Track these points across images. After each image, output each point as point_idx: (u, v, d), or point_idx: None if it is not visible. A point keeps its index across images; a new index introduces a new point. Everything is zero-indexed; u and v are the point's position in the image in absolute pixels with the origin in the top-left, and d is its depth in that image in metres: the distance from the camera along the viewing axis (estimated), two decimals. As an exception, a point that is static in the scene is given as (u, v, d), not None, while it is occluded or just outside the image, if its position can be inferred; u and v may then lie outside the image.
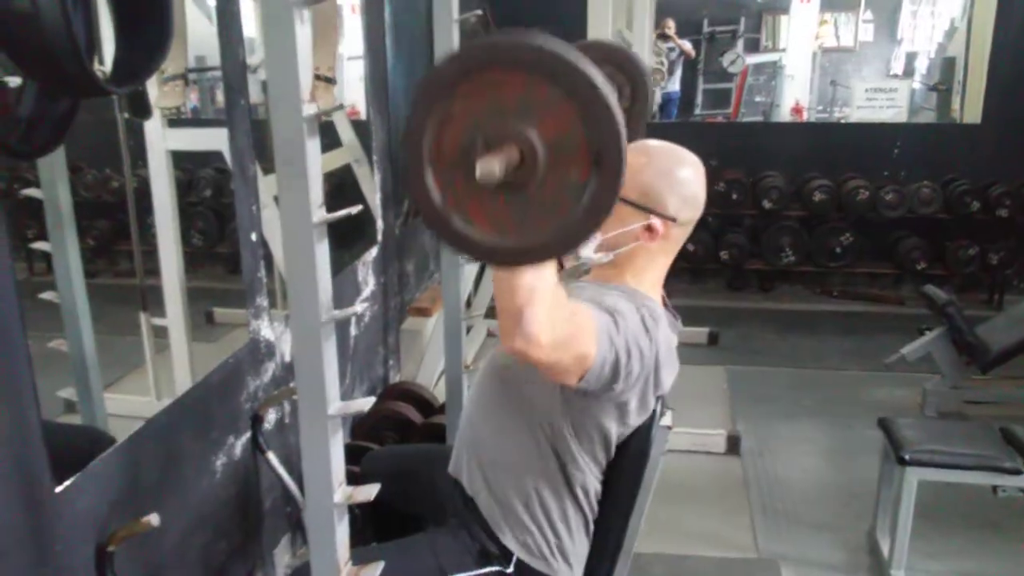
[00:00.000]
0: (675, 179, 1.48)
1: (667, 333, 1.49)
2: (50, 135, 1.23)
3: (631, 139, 1.84)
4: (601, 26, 2.92)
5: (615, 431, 1.49)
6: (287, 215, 1.08)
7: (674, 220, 1.48)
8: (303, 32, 1.03)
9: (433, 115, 0.92)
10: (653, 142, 1.55)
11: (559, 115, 0.88)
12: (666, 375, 1.48)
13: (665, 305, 1.58)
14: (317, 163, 1.08)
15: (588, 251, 1.47)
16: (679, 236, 1.53)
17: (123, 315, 2.29)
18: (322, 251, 1.10)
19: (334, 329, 1.15)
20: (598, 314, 1.31)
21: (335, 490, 1.21)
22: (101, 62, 1.40)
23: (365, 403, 1.18)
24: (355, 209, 1.12)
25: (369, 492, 1.21)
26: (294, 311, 1.12)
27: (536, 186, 0.91)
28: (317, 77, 2.02)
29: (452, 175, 0.93)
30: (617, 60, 1.85)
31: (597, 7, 2.91)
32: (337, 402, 1.18)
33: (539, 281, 1.09)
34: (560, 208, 0.91)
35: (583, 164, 0.89)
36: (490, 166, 0.85)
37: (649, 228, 1.47)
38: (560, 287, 1.15)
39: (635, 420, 1.50)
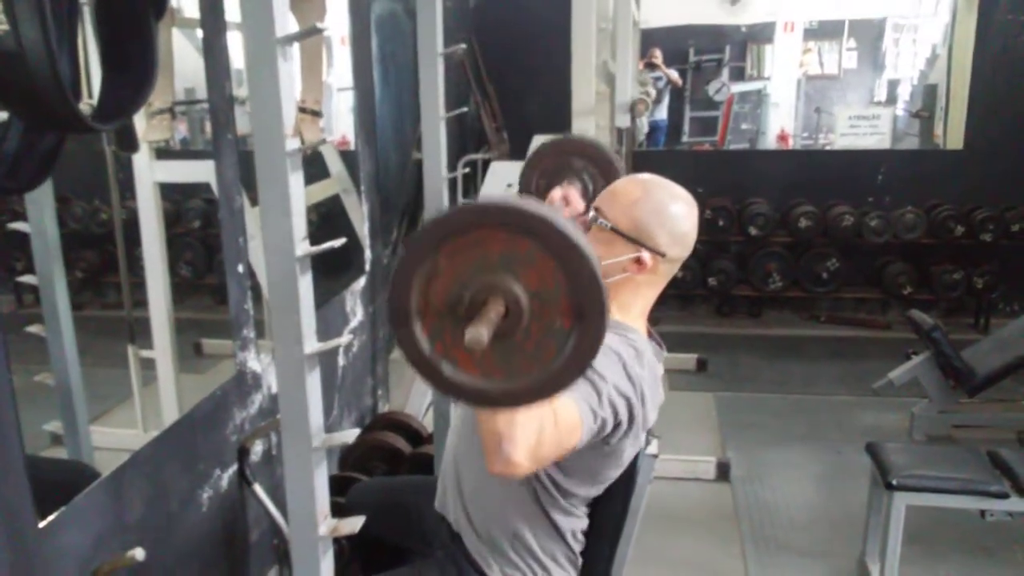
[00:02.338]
0: (668, 215, 1.49)
1: (652, 364, 1.49)
2: (36, 171, 1.24)
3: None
4: (585, 58, 2.95)
5: (606, 472, 1.50)
6: (271, 248, 1.09)
7: (663, 256, 1.49)
8: (287, 68, 1.04)
9: (420, 270, 0.97)
10: (650, 176, 1.56)
11: (541, 269, 0.94)
12: (652, 409, 1.49)
13: (650, 335, 1.59)
14: (301, 197, 1.09)
15: None
16: (666, 272, 1.54)
17: (111, 347, 2.28)
18: (306, 284, 1.11)
19: (318, 362, 1.15)
20: (578, 391, 1.29)
21: (320, 523, 1.21)
22: (90, 95, 1.42)
23: (349, 435, 1.18)
24: (339, 242, 1.13)
25: (354, 524, 1.21)
26: (278, 344, 1.12)
27: (521, 334, 0.95)
28: (303, 110, 2.04)
29: (440, 325, 0.98)
30: (588, 153, 1.97)
31: (581, 39, 2.94)
32: (322, 434, 1.17)
33: (518, 411, 1.12)
34: (545, 354, 0.96)
35: (566, 314, 0.94)
36: (478, 334, 0.89)
37: (638, 260, 1.48)
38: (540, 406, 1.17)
39: (627, 458, 1.51)
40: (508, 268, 0.94)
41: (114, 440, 1.99)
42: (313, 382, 1.15)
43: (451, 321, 0.96)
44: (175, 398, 2.16)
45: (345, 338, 1.17)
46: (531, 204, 0.94)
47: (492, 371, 0.98)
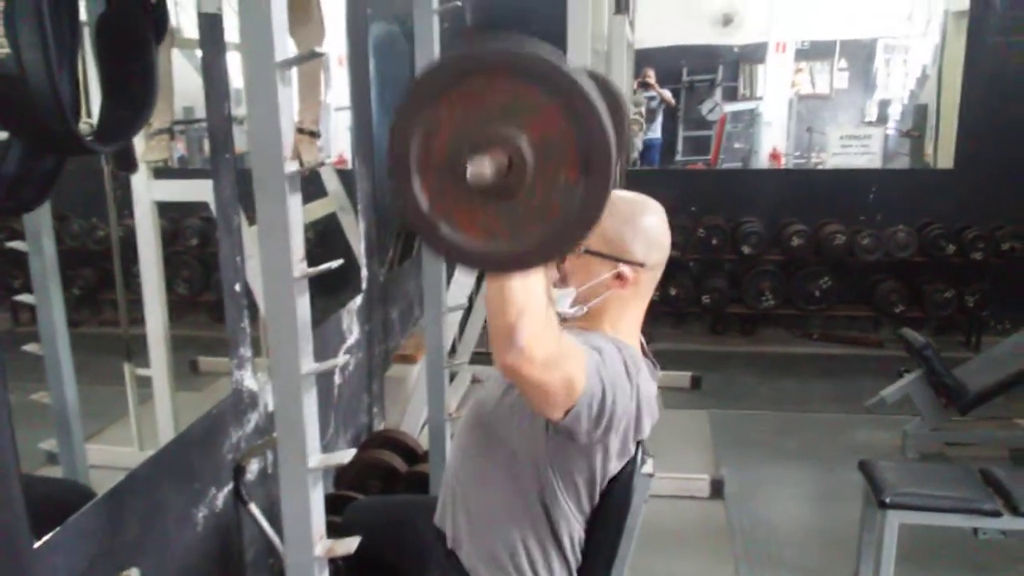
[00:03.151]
0: (638, 225, 1.51)
1: (648, 381, 1.51)
2: (36, 192, 1.25)
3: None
4: (579, 78, 2.97)
5: (599, 476, 1.50)
6: (269, 269, 1.10)
7: (642, 265, 1.51)
8: (286, 92, 1.06)
9: (419, 122, 0.91)
10: (612, 192, 1.58)
11: (546, 119, 0.88)
12: (647, 421, 1.50)
13: (645, 353, 1.60)
14: (299, 219, 1.11)
15: (563, 306, 1.50)
16: (649, 280, 1.55)
17: (108, 365, 2.28)
18: (303, 304, 1.12)
19: (315, 382, 1.17)
20: (586, 349, 1.33)
21: (315, 543, 1.21)
22: (89, 116, 1.43)
23: (345, 455, 1.19)
24: (336, 263, 1.14)
25: (350, 545, 1.22)
26: (275, 363, 1.14)
27: (525, 191, 0.90)
28: (301, 131, 2.06)
29: (440, 182, 0.93)
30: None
31: (576, 61, 2.97)
32: (318, 454, 1.18)
33: (530, 297, 1.10)
34: (551, 211, 0.91)
35: (572, 167, 0.89)
36: (481, 167, 0.85)
37: (619, 276, 1.50)
38: (551, 309, 1.17)
39: (616, 464, 1.51)
40: (511, 119, 0.88)
41: (110, 458, 1.99)
42: (310, 402, 1.16)
43: (452, 179, 0.90)
44: (171, 416, 2.16)
45: (342, 359, 1.19)
46: (538, 46, 0.89)
47: (495, 232, 0.93)
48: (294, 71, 2.07)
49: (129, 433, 2.21)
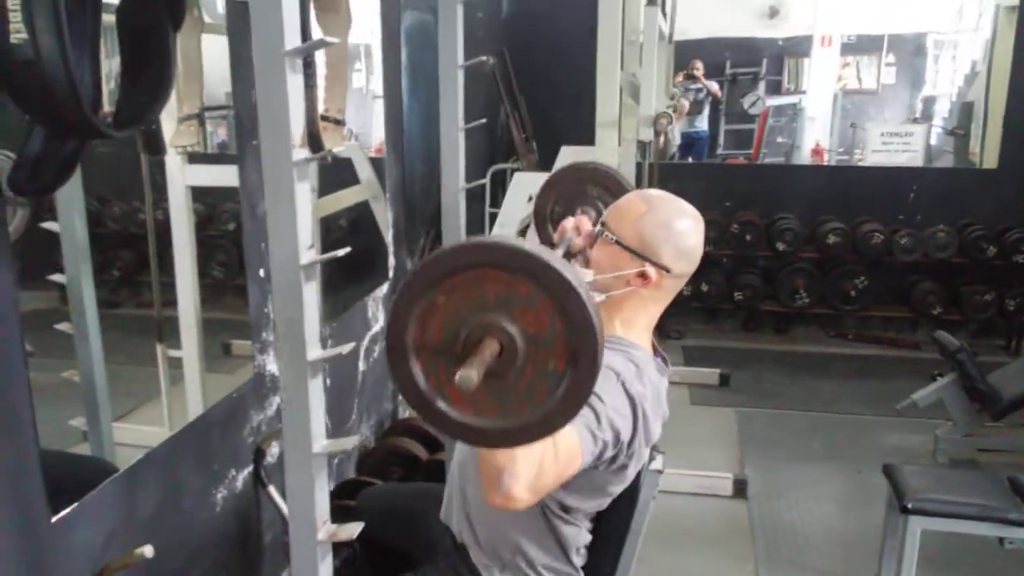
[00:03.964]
0: (673, 230, 1.50)
1: (654, 380, 1.50)
2: (57, 173, 1.27)
3: None
4: (610, 70, 2.96)
5: (609, 488, 1.51)
6: (276, 256, 1.11)
7: (668, 271, 1.50)
8: (295, 80, 1.07)
9: (418, 306, 0.98)
10: (656, 192, 1.58)
11: (538, 312, 0.94)
12: (654, 425, 1.49)
13: (655, 351, 1.59)
14: (307, 206, 1.11)
15: None
16: (671, 287, 1.54)
17: (143, 345, 2.31)
18: (311, 291, 1.13)
19: (321, 368, 1.17)
20: (578, 416, 1.31)
21: (319, 528, 1.22)
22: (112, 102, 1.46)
23: (349, 442, 1.20)
24: (343, 251, 1.15)
25: (352, 530, 1.22)
26: (281, 350, 1.15)
27: (515, 374, 0.96)
28: (325, 119, 2.07)
29: (435, 362, 0.99)
30: (604, 182, 2.00)
31: (606, 52, 2.95)
32: (323, 440, 1.19)
33: (516, 459, 1.14)
34: (538, 395, 0.97)
35: (561, 357, 0.95)
36: (469, 376, 0.89)
37: (643, 275, 1.49)
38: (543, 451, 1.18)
39: (631, 475, 1.51)
40: (505, 309, 0.95)
41: (140, 437, 2.02)
42: (315, 389, 1.17)
43: (446, 358, 0.97)
44: (200, 397, 2.20)
45: (348, 346, 1.19)
46: (533, 247, 0.95)
47: (484, 409, 0.99)
48: (320, 58, 2.08)
49: (160, 413, 2.25)
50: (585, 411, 1.29)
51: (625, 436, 1.37)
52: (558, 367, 0.95)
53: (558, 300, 0.93)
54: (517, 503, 1.16)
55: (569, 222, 1.72)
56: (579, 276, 0.95)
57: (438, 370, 0.99)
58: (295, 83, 1.06)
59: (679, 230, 1.50)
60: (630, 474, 1.50)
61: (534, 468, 1.16)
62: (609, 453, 1.36)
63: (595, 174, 2.02)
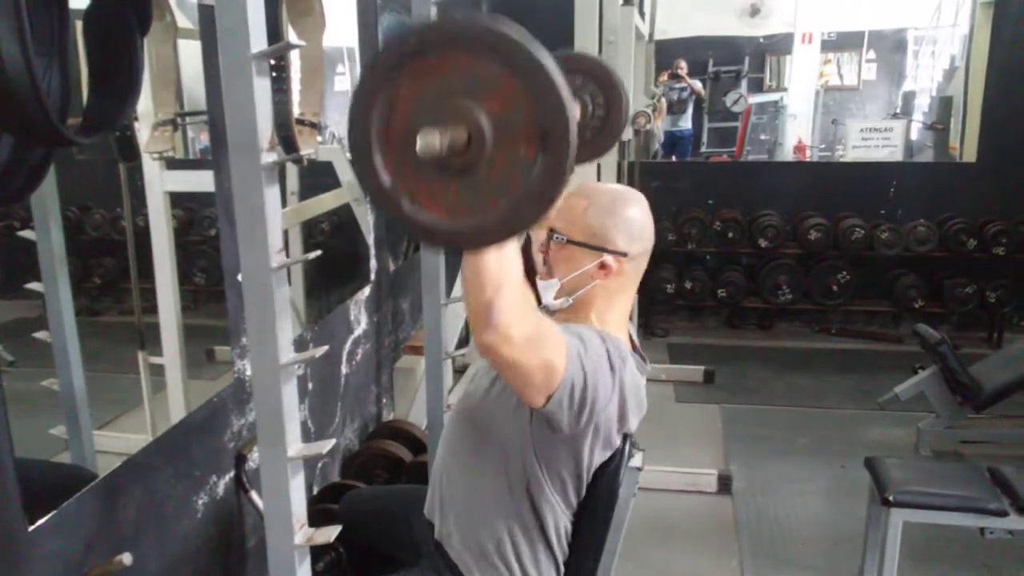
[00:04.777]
0: (619, 215, 1.52)
1: (634, 375, 1.50)
2: (25, 182, 1.27)
3: (607, 148, 1.84)
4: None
5: (584, 467, 1.50)
6: (247, 260, 1.11)
7: (625, 255, 1.51)
8: (262, 83, 1.07)
9: (380, 97, 0.92)
10: (592, 184, 1.61)
11: (505, 93, 0.88)
12: (632, 415, 1.50)
13: (634, 347, 1.59)
14: (276, 210, 1.11)
15: (548, 298, 1.51)
16: (633, 271, 1.56)
17: (125, 353, 2.31)
18: (281, 295, 1.13)
19: (294, 372, 1.17)
20: (567, 335, 1.33)
21: (296, 531, 1.23)
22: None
23: (324, 445, 1.20)
24: (314, 254, 1.15)
25: (329, 534, 1.23)
26: (254, 355, 1.15)
27: (485, 167, 0.90)
28: (301, 122, 2.07)
29: (401, 158, 0.93)
30: (587, 68, 1.81)
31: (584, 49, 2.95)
32: (298, 444, 1.19)
33: (504, 275, 1.13)
34: (510, 186, 0.91)
35: (531, 141, 0.89)
36: (430, 139, 0.85)
37: (603, 266, 1.51)
38: (527, 290, 1.18)
39: (600, 456, 1.50)
40: (471, 94, 0.89)
41: (123, 445, 2.01)
42: (289, 392, 1.17)
43: (412, 154, 0.89)
44: (183, 404, 2.19)
45: (321, 349, 1.19)
46: (498, 21, 0.89)
47: (456, 209, 0.93)
48: (296, 61, 2.08)
49: (143, 420, 2.24)
50: (575, 340, 1.33)
51: (602, 392, 1.37)
52: (528, 153, 0.89)
53: (525, 76, 0.87)
54: (505, 338, 1.15)
55: None
56: (546, 51, 0.89)
57: (404, 167, 0.93)
58: (263, 86, 1.06)
59: (626, 215, 1.52)
60: (596, 457, 1.49)
61: (520, 301, 1.15)
62: (578, 396, 1.34)
63: (576, 61, 1.83)
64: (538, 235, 1.68)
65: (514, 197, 0.91)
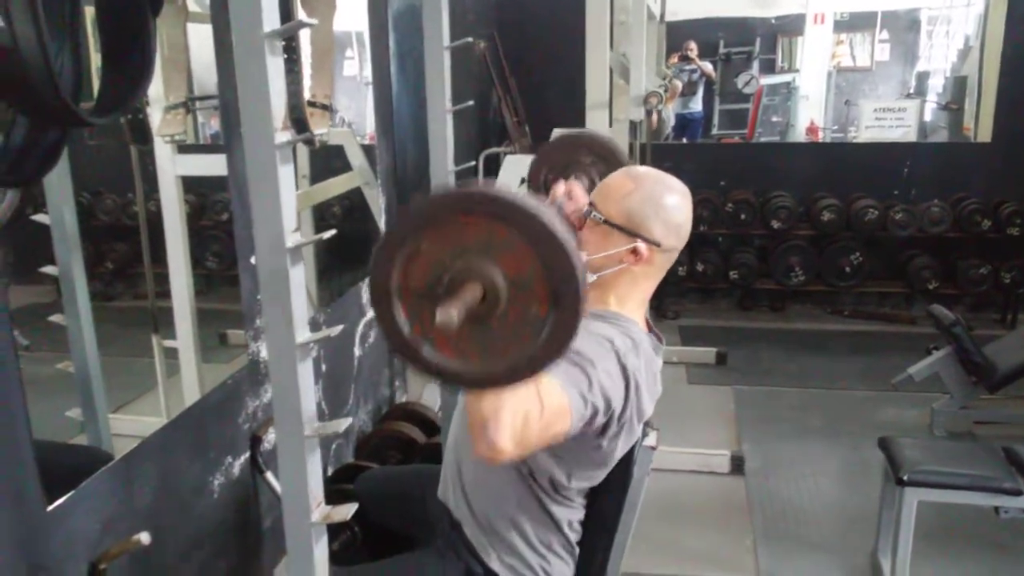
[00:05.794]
0: (661, 206, 1.50)
1: (649, 356, 1.50)
2: (39, 164, 1.27)
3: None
4: (599, 51, 2.95)
5: (600, 461, 1.51)
6: (261, 241, 1.11)
7: (659, 246, 1.50)
8: (275, 63, 1.06)
9: (401, 251, 0.99)
10: (642, 168, 1.58)
11: (519, 256, 0.95)
12: (647, 402, 1.49)
13: (649, 328, 1.59)
14: (291, 190, 1.11)
15: None
16: (662, 262, 1.55)
17: (139, 337, 2.33)
18: (296, 275, 1.13)
19: (310, 351, 1.18)
20: (567, 378, 1.29)
21: (312, 510, 1.23)
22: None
23: (341, 424, 1.21)
24: (329, 233, 1.15)
25: (346, 512, 1.23)
26: (270, 334, 1.15)
27: (498, 319, 0.97)
28: (312, 104, 2.07)
29: (419, 307, 1.00)
30: (598, 150, 1.98)
31: (594, 33, 2.94)
32: (314, 423, 1.20)
33: (505, 398, 1.12)
34: (521, 339, 0.98)
35: (543, 301, 0.96)
36: (448, 315, 0.90)
37: (634, 251, 1.50)
38: (529, 391, 1.17)
39: (621, 451, 1.51)
40: (487, 253, 0.96)
41: (138, 428, 2.03)
42: (305, 371, 1.17)
43: (430, 303, 0.97)
44: (197, 387, 2.20)
45: (336, 328, 1.20)
46: (513, 193, 0.95)
47: (468, 354, 1.00)
48: (306, 42, 2.07)
49: (158, 403, 2.25)
50: (577, 375, 1.30)
51: (617, 404, 1.37)
52: (540, 311, 0.96)
53: (537, 244, 0.94)
54: (501, 454, 1.15)
55: (560, 187, 1.72)
56: (559, 220, 0.96)
57: (422, 316, 1.00)
58: (276, 65, 1.06)
59: (667, 205, 1.51)
60: (619, 452, 1.50)
61: (519, 420, 1.15)
62: (600, 420, 1.35)
63: (587, 141, 2.01)
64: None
65: (524, 349, 0.98)
